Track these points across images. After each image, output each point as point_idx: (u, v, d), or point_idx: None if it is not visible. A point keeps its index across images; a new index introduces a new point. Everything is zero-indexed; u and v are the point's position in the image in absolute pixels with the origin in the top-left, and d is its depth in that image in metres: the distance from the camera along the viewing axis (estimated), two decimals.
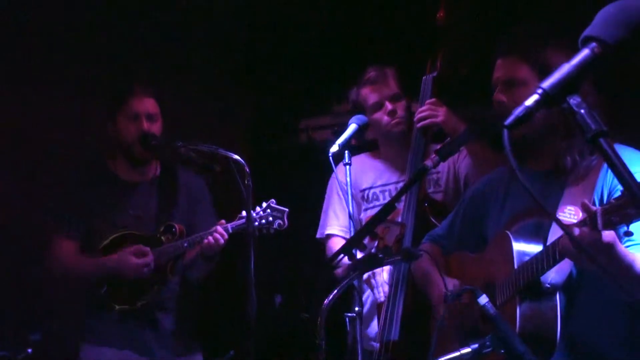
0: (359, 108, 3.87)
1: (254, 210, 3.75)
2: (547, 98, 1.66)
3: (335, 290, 2.77)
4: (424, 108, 3.72)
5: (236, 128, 5.18)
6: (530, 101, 1.66)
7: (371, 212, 3.89)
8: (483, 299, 2.43)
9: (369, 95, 3.84)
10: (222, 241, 3.74)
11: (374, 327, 3.75)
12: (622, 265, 2.39)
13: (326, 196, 4.06)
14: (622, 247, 2.37)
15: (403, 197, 3.74)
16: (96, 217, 3.85)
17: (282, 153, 3.74)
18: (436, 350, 2.95)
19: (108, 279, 3.79)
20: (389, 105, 3.79)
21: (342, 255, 2.91)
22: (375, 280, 3.61)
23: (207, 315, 4.48)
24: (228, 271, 4.21)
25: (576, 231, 2.32)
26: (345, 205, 3.81)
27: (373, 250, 3.19)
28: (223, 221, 3.80)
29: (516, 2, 4.44)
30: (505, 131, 1.68)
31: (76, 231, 3.83)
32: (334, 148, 3.63)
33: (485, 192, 3.04)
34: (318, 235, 4.01)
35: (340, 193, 3.89)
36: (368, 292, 3.83)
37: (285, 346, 4.43)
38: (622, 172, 1.62)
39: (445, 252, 3.09)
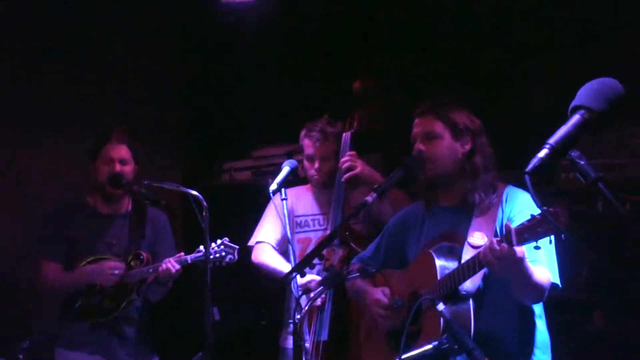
0: (299, 148, 4.29)
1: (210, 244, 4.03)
2: (554, 151, 1.86)
3: (309, 302, 3.14)
4: (345, 159, 4.06)
5: (171, 168, 5.50)
6: (541, 154, 1.86)
7: (303, 236, 4.22)
8: (440, 306, 2.67)
9: (308, 147, 4.21)
10: (173, 270, 4.07)
11: (305, 330, 3.99)
12: (526, 275, 2.76)
13: (264, 214, 4.33)
14: (527, 261, 2.73)
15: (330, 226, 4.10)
16: (77, 244, 4.19)
17: (208, 191, 4.10)
18: (365, 347, 3.42)
19: (83, 295, 4.14)
20: (317, 164, 4.20)
21: (295, 273, 3.18)
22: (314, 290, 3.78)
23: (165, 326, 4.80)
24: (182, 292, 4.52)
25: (495, 246, 2.66)
26: (278, 222, 4.17)
27: (321, 269, 3.69)
28: (182, 253, 4.16)
29: (418, 76, 4.87)
30: (527, 176, 1.86)
31: (60, 255, 4.19)
32: (273, 186, 4.04)
33: (404, 222, 3.39)
34: (249, 243, 4.28)
35: (276, 213, 4.17)
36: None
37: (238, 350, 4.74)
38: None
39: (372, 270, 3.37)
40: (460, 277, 2.90)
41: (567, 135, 1.87)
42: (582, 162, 1.85)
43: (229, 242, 4.17)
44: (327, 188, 4.25)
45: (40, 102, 5.05)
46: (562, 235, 2.47)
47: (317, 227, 4.26)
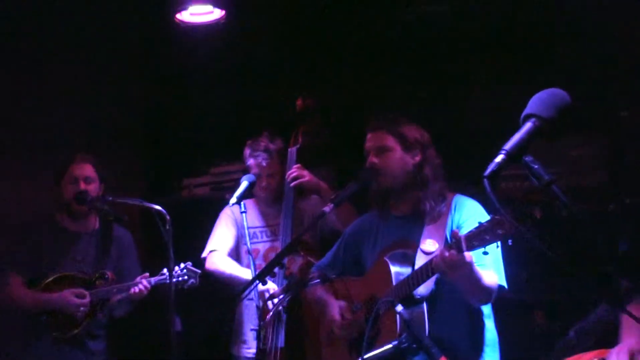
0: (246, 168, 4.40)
1: (174, 269, 4.12)
2: (509, 156, 1.92)
3: (274, 308, 3.29)
4: (292, 171, 4.20)
5: (132, 185, 5.53)
6: (498, 159, 1.92)
7: (254, 247, 4.31)
8: (399, 308, 2.80)
9: (254, 167, 4.36)
10: (145, 292, 4.19)
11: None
12: (475, 278, 2.90)
13: (215, 224, 4.46)
14: (475, 266, 2.86)
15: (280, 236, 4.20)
16: (43, 259, 4.23)
17: (169, 206, 4.19)
18: (326, 353, 3.48)
19: (47, 312, 4.16)
20: (264, 182, 4.36)
21: (256, 282, 3.36)
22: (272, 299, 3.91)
23: (130, 340, 4.85)
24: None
25: (446, 253, 2.79)
26: (229, 232, 4.33)
27: (281, 276, 3.80)
28: (147, 274, 4.26)
29: (356, 94, 5.08)
30: (486, 180, 1.90)
31: (24, 270, 4.21)
32: (233, 200, 4.17)
33: (360, 231, 3.50)
34: (202, 255, 4.38)
35: (228, 223, 4.37)
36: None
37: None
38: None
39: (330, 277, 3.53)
40: (414, 283, 3.02)
41: (520, 142, 1.93)
42: (536, 166, 1.92)
43: (192, 266, 4.28)
44: (274, 202, 4.40)
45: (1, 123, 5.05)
46: (509, 241, 2.60)
47: (265, 238, 4.41)
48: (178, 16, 4.66)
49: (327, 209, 3.27)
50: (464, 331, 3.16)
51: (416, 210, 3.27)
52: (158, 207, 3.94)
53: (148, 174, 5.81)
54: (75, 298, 4.16)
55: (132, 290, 4.19)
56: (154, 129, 5.75)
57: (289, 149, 4.35)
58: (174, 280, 4.08)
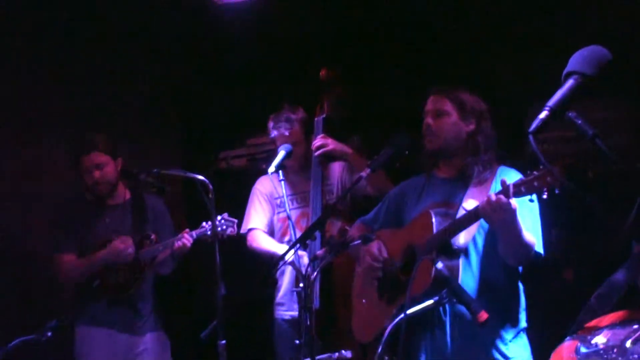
0: (274, 140, 4.50)
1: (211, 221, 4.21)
2: (553, 112, 1.94)
3: (319, 268, 3.32)
4: (316, 141, 4.37)
5: (171, 157, 5.70)
6: (542, 115, 1.94)
7: (282, 216, 4.46)
8: (439, 265, 2.89)
9: (279, 138, 4.47)
10: (189, 244, 4.35)
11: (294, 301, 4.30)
12: (517, 230, 2.96)
13: (249, 200, 4.59)
14: (519, 218, 2.94)
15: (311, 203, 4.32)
16: (85, 235, 4.48)
17: (208, 178, 4.30)
18: (357, 307, 3.56)
19: (101, 274, 4.40)
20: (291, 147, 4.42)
21: (297, 245, 3.45)
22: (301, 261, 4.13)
23: (175, 301, 5.03)
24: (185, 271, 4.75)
25: (493, 196, 2.86)
26: (263, 207, 4.47)
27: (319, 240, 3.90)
28: (188, 229, 4.40)
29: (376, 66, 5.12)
30: (531, 136, 1.94)
31: (71, 247, 4.49)
32: (272, 169, 4.33)
33: (406, 189, 3.58)
34: (241, 231, 4.50)
35: (260, 198, 4.51)
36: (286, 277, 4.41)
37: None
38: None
39: (372, 230, 3.59)
40: (456, 228, 3.09)
41: (563, 98, 1.95)
42: (580, 121, 1.94)
43: (229, 216, 4.39)
44: (301, 170, 4.51)
45: (40, 102, 5.18)
46: (556, 190, 2.64)
47: (296, 205, 4.51)
48: None
49: (363, 174, 3.36)
50: (499, 291, 3.21)
51: (462, 174, 3.35)
52: (201, 177, 4.03)
53: (186, 148, 5.91)
54: (119, 244, 4.38)
55: (176, 244, 4.34)
56: (190, 103, 5.83)
57: (315, 119, 4.47)
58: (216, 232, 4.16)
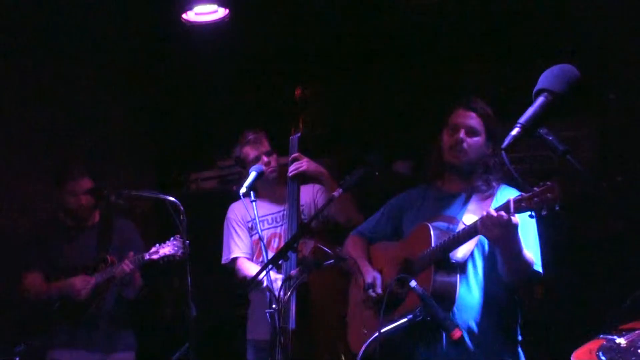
0: (241, 162, 4.41)
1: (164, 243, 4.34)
2: (524, 129, 1.97)
3: (291, 289, 3.33)
4: (291, 159, 4.22)
5: (142, 178, 5.67)
6: (514, 132, 1.98)
7: (255, 238, 4.31)
8: (413, 283, 2.87)
9: (249, 152, 4.34)
10: (127, 270, 4.36)
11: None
12: (517, 246, 2.92)
13: (225, 230, 4.44)
14: (520, 235, 2.88)
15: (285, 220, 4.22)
16: (52, 255, 4.50)
17: (179, 199, 4.23)
18: (354, 314, 3.47)
19: (61, 298, 4.41)
20: (264, 159, 4.31)
21: (270, 266, 3.43)
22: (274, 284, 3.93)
23: (143, 323, 4.98)
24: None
25: (494, 212, 2.81)
26: (240, 233, 4.33)
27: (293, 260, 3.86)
28: (131, 253, 4.42)
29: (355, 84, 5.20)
30: (503, 153, 2.00)
31: (41, 266, 4.50)
32: (243, 190, 4.15)
33: (406, 201, 3.49)
34: (224, 261, 4.39)
35: (235, 225, 4.37)
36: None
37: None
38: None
39: (369, 242, 3.55)
40: (454, 243, 3.04)
41: (535, 115, 1.98)
42: (551, 138, 1.97)
43: (180, 238, 4.35)
44: (272, 190, 4.41)
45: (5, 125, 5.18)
46: (556, 207, 2.60)
47: (267, 225, 4.40)
48: (184, 16, 4.72)
49: (336, 193, 3.32)
50: (489, 304, 3.14)
51: (465, 190, 3.31)
52: (172, 199, 4.01)
53: (156, 170, 5.90)
54: (79, 283, 4.39)
55: (116, 271, 4.36)
56: (161, 125, 5.83)
57: (290, 137, 4.38)
58: (164, 255, 4.29)
